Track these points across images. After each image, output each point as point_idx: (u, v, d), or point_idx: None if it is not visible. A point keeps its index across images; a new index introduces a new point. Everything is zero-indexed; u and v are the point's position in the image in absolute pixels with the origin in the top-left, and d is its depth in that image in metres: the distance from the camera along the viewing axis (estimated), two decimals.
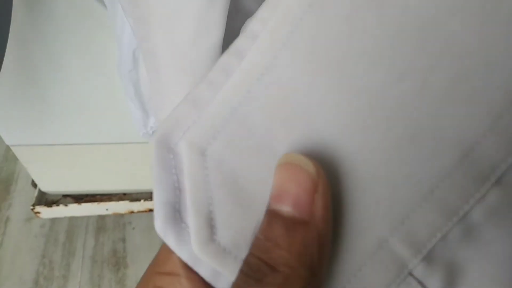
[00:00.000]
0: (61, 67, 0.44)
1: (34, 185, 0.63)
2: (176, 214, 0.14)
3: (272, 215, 0.12)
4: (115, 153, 0.56)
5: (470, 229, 0.13)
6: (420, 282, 0.12)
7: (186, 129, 0.14)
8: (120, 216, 0.72)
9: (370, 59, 0.12)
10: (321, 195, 0.12)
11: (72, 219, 0.73)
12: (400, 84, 0.12)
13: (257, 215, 0.13)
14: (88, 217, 0.73)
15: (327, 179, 0.12)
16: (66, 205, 0.62)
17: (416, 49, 0.12)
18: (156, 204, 0.14)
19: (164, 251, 0.15)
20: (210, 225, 0.13)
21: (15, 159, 0.55)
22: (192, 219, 0.13)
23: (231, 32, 0.31)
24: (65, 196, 0.64)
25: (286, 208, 0.12)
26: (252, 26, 0.14)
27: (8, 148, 0.53)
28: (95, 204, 0.63)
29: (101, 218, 0.73)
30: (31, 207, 0.62)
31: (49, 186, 0.62)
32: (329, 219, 0.12)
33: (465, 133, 0.12)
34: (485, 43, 0.11)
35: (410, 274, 0.13)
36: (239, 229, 0.13)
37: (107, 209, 0.64)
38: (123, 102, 0.47)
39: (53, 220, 0.72)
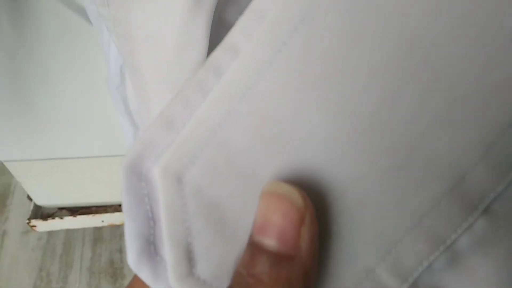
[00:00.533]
0: (52, 81, 0.44)
1: (30, 198, 0.63)
2: (151, 247, 0.13)
3: (255, 247, 0.12)
4: (109, 166, 0.56)
5: (456, 257, 0.12)
6: None
7: (160, 153, 0.13)
8: (116, 227, 0.72)
9: (365, 81, 0.11)
10: (308, 228, 0.11)
11: (69, 231, 0.73)
12: (395, 109, 0.11)
13: (239, 246, 0.13)
14: (85, 229, 0.73)
15: (314, 210, 0.11)
16: (61, 218, 0.63)
17: (414, 72, 0.11)
18: (128, 237, 0.13)
19: (139, 281, 0.14)
20: (188, 258, 0.12)
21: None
22: (169, 252, 0.12)
23: (216, 46, 0.31)
24: (61, 208, 0.64)
25: (270, 241, 0.11)
26: (232, 37, 0.13)
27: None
28: (90, 216, 0.63)
29: (97, 229, 0.73)
30: (27, 221, 0.62)
31: (44, 199, 0.62)
32: (316, 253, 0.12)
33: (458, 161, 0.12)
34: (483, 69, 0.11)
35: None
36: (220, 261, 0.12)
37: (102, 221, 0.64)
38: (115, 115, 0.48)
39: (50, 233, 0.72)
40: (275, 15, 0.11)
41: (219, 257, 0.12)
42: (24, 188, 0.59)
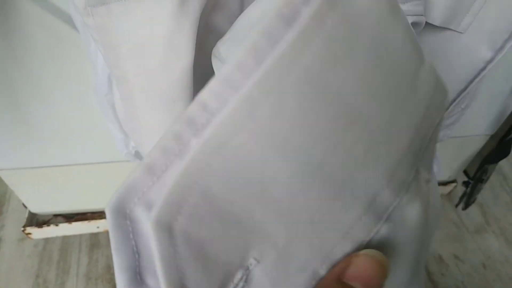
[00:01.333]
0: (43, 90, 0.45)
1: (26, 206, 0.63)
2: (137, 277, 0.15)
3: (343, 285, 0.16)
4: (103, 172, 0.56)
5: None
6: None
7: (141, 196, 0.15)
8: None
9: (314, 139, 0.15)
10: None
11: (65, 237, 0.73)
12: (333, 156, 0.15)
13: (220, 278, 0.15)
14: (81, 235, 0.73)
15: None
16: (57, 225, 0.63)
17: (345, 129, 0.15)
18: (117, 270, 0.15)
19: None
20: None
21: None
22: None
23: (204, 52, 0.31)
24: (56, 215, 0.64)
25: (357, 285, 0.16)
26: (205, 98, 0.15)
27: None
28: (85, 222, 0.63)
29: (94, 235, 0.73)
30: (22, 229, 0.62)
31: (39, 207, 0.62)
32: None
33: (372, 189, 0.17)
34: (389, 124, 0.16)
35: None
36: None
37: (98, 227, 0.64)
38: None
39: (46, 239, 0.72)
40: (250, 88, 0.14)
41: None
42: (18, 196, 0.59)
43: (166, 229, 0.14)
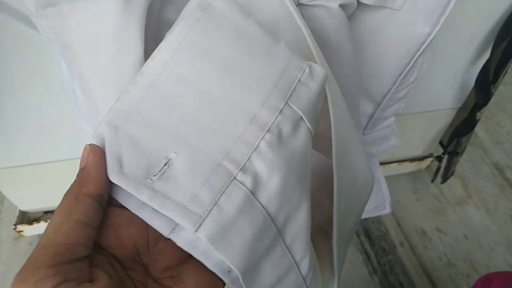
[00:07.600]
0: (13, 90, 0.46)
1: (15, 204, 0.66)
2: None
3: None
4: None
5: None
6: (240, 182, 0.22)
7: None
8: None
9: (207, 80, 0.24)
10: None
11: None
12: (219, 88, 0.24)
13: (147, 160, 0.22)
14: None
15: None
16: (47, 221, 0.65)
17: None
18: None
19: None
20: (119, 163, 0.22)
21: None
22: (108, 160, 0.22)
23: (158, 44, 0.33)
24: (46, 212, 0.67)
25: None
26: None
27: None
28: None
29: None
30: (13, 227, 0.64)
31: (28, 205, 0.64)
32: None
33: (250, 110, 0.24)
34: (253, 73, 0.25)
35: (235, 178, 0.22)
36: (137, 164, 0.22)
37: None
38: None
39: (40, 236, 0.74)
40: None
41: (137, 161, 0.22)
42: (6, 195, 0.61)
43: (113, 128, 0.23)
